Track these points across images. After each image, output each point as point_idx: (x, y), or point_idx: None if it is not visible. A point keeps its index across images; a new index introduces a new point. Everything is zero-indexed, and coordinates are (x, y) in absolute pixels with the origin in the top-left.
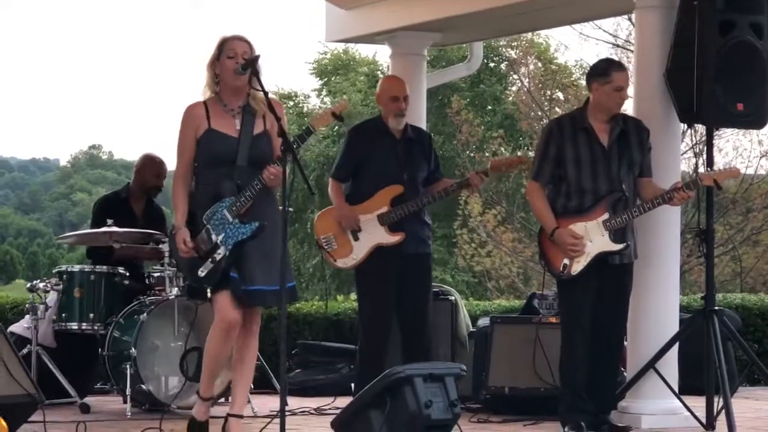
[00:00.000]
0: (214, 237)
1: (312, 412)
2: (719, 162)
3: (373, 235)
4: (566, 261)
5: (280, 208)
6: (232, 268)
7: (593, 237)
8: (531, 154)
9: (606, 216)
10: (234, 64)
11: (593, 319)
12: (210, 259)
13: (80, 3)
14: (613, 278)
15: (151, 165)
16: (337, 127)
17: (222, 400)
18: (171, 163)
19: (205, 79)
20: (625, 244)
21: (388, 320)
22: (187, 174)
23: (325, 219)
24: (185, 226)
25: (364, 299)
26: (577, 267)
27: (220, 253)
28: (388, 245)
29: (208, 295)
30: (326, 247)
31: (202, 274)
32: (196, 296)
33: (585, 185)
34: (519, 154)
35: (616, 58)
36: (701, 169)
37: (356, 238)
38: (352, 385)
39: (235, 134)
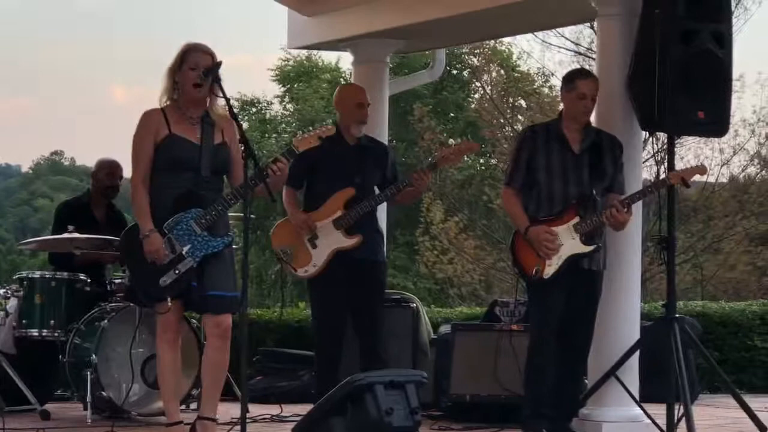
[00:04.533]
0: (178, 247)
1: (273, 419)
2: None
3: (330, 240)
4: (538, 265)
5: (242, 215)
6: (193, 278)
7: (564, 240)
8: (493, 161)
9: (576, 220)
10: (195, 76)
11: (560, 325)
12: (174, 270)
13: (42, 6)
14: (583, 285)
15: (102, 166)
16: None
17: (183, 407)
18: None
19: (163, 85)
20: (596, 245)
21: (340, 326)
22: (146, 179)
23: (281, 230)
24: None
25: (315, 305)
26: (549, 270)
27: (187, 264)
28: (345, 249)
29: (169, 302)
30: (285, 258)
31: (165, 284)
32: (137, 301)
33: (555, 191)
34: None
35: (578, 66)
36: (663, 177)
37: (314, 246)
38: (314, 391)
39: (197, 141)
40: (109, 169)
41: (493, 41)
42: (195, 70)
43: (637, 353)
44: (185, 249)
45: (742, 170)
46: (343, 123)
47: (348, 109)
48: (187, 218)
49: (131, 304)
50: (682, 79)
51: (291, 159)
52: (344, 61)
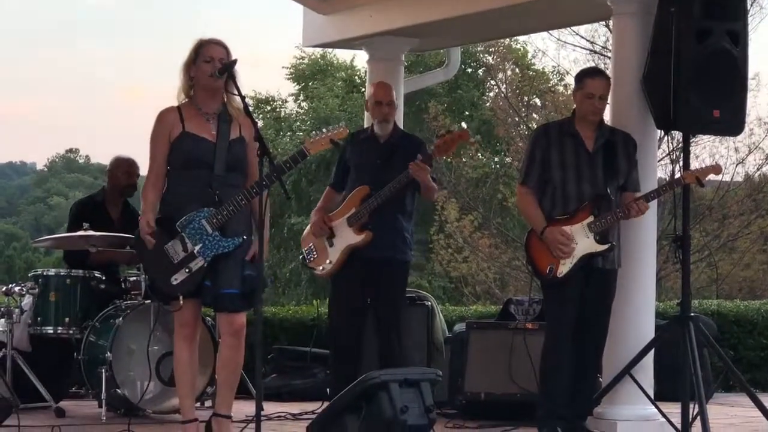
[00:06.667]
0: (190, 246)
1: (288, 417)
2: None
3: (344, 237)
4: (552, 264)
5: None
6: (206, 277)
7: (578, 239)
8: (508, 159)
9: (590, 219)
10: (210, 68)
11: (575, 323)
12: (186, 269)
13: (55, 5)
14: (597, 283)
15: (120, 164)
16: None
17: (198, 404)
18: (144, 167)
19: (180, 82)
20: (610, 244)
21: (351, 324)
22: (158, 180)
23: (307, 232)
24: (152, 218)
25: (330, 302)
26: (563, 269)
27: (198, 263)
28: (356, 245)
29: (180, 300)
30: (308, 257)
31: (176, 282)
32: (156, 298)
33: (569, 189)
34: (463, 125)
35: (593, 64)
36: (678, 176)
37: (331, 244)
38: (329, 389)
39: (212, 138)
40: (126, 167)
41: (507, 39)
42: (210, 63)
43: (652, 352)
44: (197, 248)
45: (758, 169)
46: (372, 122)
47: (369, 107)
48: (198, 217)
49: (146, 302)
50: (698, 77)
51: (302, 160)
52: (359, 59)
